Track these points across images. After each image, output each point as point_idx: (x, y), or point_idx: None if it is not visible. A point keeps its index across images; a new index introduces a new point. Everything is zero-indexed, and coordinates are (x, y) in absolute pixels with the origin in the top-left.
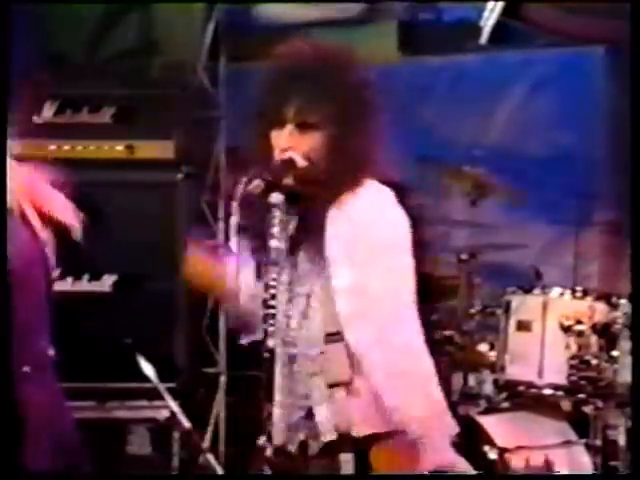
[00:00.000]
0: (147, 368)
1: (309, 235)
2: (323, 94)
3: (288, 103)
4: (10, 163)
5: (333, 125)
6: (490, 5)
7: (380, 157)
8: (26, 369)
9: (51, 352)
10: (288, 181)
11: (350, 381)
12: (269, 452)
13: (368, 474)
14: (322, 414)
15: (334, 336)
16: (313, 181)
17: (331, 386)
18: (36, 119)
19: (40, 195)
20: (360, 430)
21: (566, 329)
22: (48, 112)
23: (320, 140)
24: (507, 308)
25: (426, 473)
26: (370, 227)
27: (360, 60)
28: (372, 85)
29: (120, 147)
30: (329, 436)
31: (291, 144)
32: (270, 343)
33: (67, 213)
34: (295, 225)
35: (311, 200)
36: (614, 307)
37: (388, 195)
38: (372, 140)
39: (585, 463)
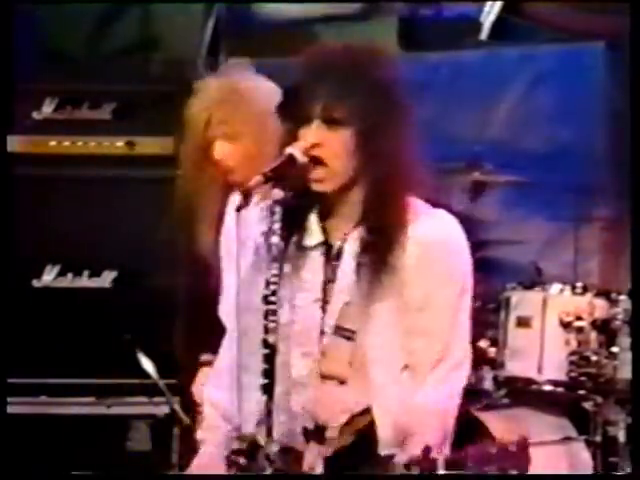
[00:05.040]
0: (147, 364)
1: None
2: (351, 89)
3: (315, 99)
4: None
5: (361, 121)
6: (490, 1)
7: (416, 162)
8: None
9: None
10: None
11: (344, 379)
12: (269, 449)
13: (368, 474)
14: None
15: (346, 331)
16: (340, 180)
17: (324, 377)
18: (36, 115)
19: None
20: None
21: (566, 325)
22: (48, 108)
23: (348, 137)
24: (507, 304)
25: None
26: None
27: (389, 58)
28: (401, 84)
29: (120, 143)
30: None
31: (319, 140)
32: (270, 339)
33: None
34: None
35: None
36: (614, 303)
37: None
38: (404, 142)
39: (585, 459)
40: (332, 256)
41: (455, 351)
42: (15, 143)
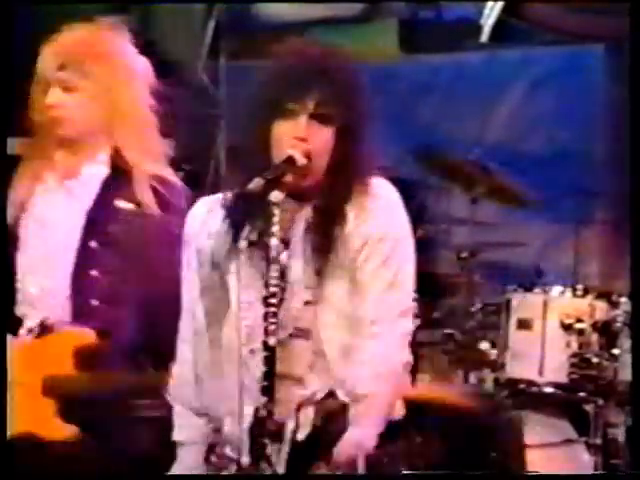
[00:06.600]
0: None
1: (319, 231)
2: (341, 90)
3: (308, 94)
4: None
5: (343, 121)
6: (490, 3)
7: (374, 164)
8: None
9: None
10: (288, 179)
11: (301, 378)
12: (269, 450)
13: (371, 474)
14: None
15: (300, 331)
16: (316, 176)
17: (280, 376)
18: None
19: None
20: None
21: (567, 327)
22: None
23: (331, 135)
24: (508, 306)
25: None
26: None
27: (359, 62)
28: (368, 87)
29: None
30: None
31: (307, 135)
32: (271, 341)
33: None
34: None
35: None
36: (614, 305)
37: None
38: (369, 145)
39: (585, 461)
40: (277, 252)
41: (399, 301)
42: (16, 145)
